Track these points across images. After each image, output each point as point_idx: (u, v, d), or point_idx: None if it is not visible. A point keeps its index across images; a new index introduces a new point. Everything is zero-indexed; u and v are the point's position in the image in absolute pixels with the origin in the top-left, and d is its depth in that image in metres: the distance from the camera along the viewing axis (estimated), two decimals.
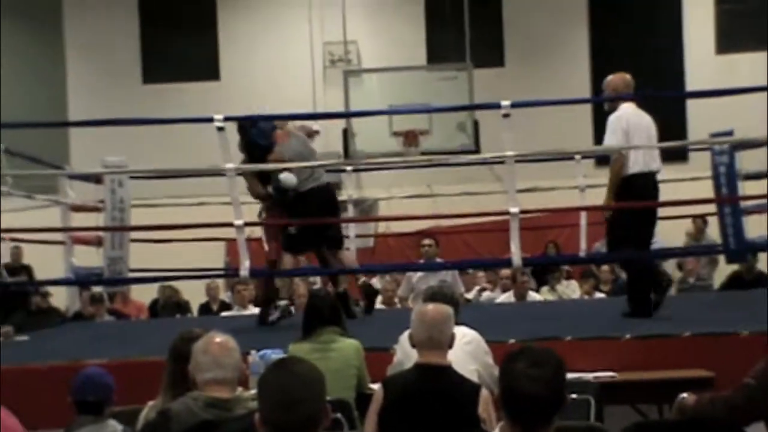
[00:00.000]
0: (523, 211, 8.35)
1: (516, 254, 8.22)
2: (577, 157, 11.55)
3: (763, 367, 4.13)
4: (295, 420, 2.94)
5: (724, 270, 13.90)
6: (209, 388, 3.84)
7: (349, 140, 15.10)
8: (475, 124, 14.89)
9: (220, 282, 14.44)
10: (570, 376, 5.58)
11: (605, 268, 13.46)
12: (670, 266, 15.33)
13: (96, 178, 11.47)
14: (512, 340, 6.86)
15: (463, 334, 5.69)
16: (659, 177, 8.60)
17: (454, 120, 14.91)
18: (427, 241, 11.64)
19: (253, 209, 9.75)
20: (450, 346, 4.94)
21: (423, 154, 14.13)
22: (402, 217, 13.41)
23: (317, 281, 12.25)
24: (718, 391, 4.40)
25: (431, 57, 17.67)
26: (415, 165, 13.23)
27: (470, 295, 12.75)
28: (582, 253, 11.32)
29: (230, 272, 13.07)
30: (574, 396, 5.77)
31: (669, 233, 14.97)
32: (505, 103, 8.24)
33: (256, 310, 10.21)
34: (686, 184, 11.39)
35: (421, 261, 11.75)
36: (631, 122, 8.39)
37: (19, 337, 9.43)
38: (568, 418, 5.26)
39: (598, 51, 17.95)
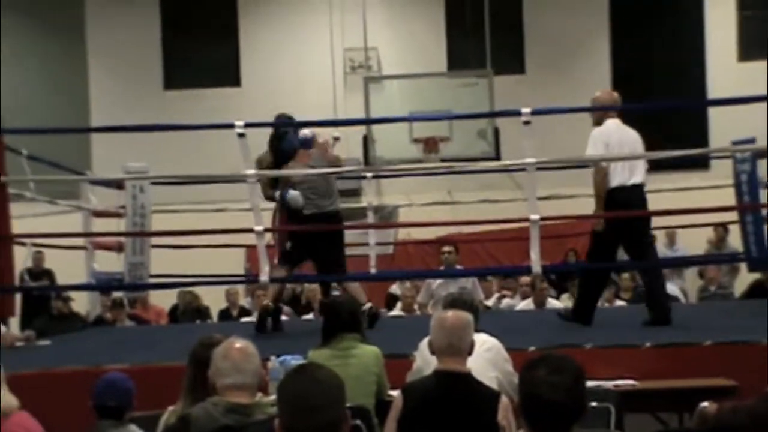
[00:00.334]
0: (543, 219, 8.34)
1: (536, 262, 8.20)
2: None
3: None
4: (314, 426, 2.94)
5: (745, 278, 13.84)
6: (229, 393, 3.85)
7: (369, 147, 15.11)
8: (496, 131, 14.88)
9: (240, 288, 14.47)
10: (590, 384, 5.59)
11: (626, 276, 13.43)
12: (691, 274, 15.31)
13: (117, 184, 11.52)
14: (532, 348, 6.85)
15: (483, 341, 5.68)
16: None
17: (474, 127, 14.91)
18: (447, 248, 11.64)
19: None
20: (470, 353, 4.94)
21: (443, 161, 14.14)
22: (422, 224, 13.40)
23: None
24: (740, 400, 4.38)
25: (452, 63, 17.68)
26: (435, 172, 13.23)
27: (490, 303, 12.73)
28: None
29: (250, 278, 13.09)
30: (594, 404, 5.76)
31: (690, 241, 14.97)
32: (526, 110, 8.23)
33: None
34: (708, 192, 11.34)
35: (441, 268, 11.73)
36: (612, 137, 8.45)
37: (41, 342, 9.47)
38: (588, 427, 5.24)
39: (620, 58, 17.92)
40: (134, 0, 18.17)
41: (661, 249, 15.60)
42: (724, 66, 17.34)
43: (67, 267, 12.58)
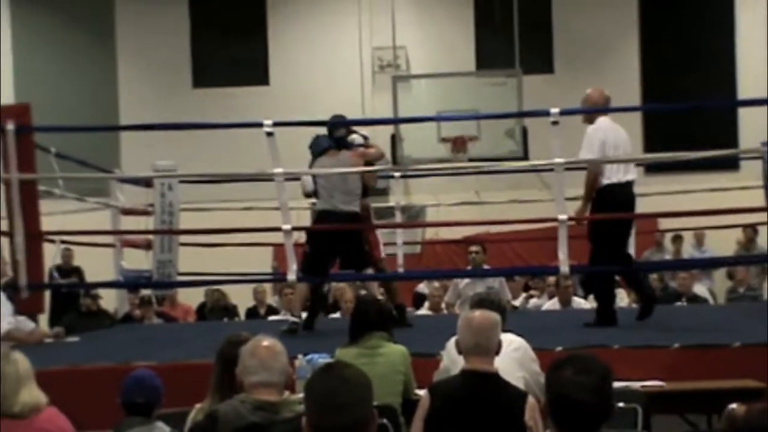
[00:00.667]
0: (571, 219, 8.32)
1: (564, 262, 8.19)
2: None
3: None
4: (341, 424, 2.94)
5: None
6: (256, 391, 3.85)
7: (397, 146, 15.11)
8: (524, 130, 14.86)
9: (268, 286, 14.49)
10: (618, 384, 5.55)
11: (654, 276, 13.38)
12: (720, 275, 15.24)
13: (146, 182, 11.57)
14: (559, 348, 6.84)
15: (510, 341, 5.67)
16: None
17: (502, 126, 14.89)
18: (474, 248, 11.63)
19: (300, 214, 9.80)
20: (497, 353, 4.93)
21: (471, 160, 14.13)
22: (449, 224, 13.40)
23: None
24: None
25: (480, 63, 17.66)
26: (463, 171, 13.22)
27: (517, 302, 12.72)
28: None
29: (278, 276, 13.11)
30: (621, 405, 5.75)
31: (719, 242, 14.90)
32: (554, 110, 8.22)
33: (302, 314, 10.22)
34: (737, 193, 11.30)
35: (469, 267, 11.72)
36: (608, 134, 8.47)
37: (70, 339, 9.52)
38: (616, 428, 5.22)
39: (649, 57, 17.85)
40: None
41: (690, 250, 15.56)
42: (754, 66, 17.24)
43: (96, 264, 12.64)
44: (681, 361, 6.96)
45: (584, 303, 12.01)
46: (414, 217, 15.52)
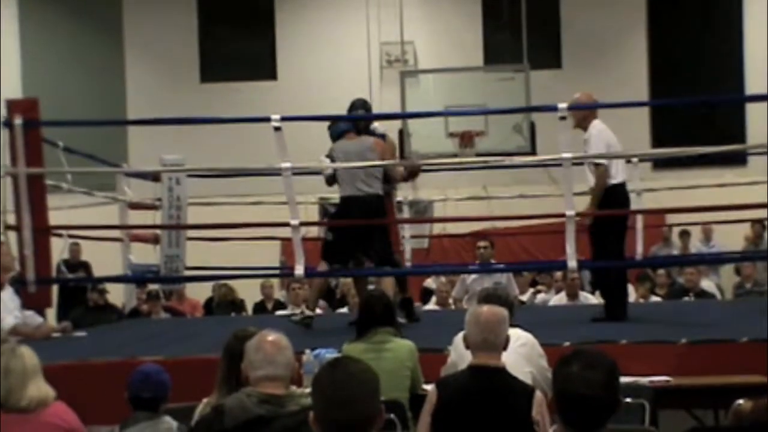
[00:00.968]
0: (578, 214, 8.32)
1: (571, 257, 8.19)
2: (634, 160, 11.45)
3: None
4: (349, 419, 2.95)
5: None
6: (262, 384, 3.86)
7: (404, 141, 15.10)
8: (532, 125, 14.83)
9: (275, 281, 14.49)
10: (625, 380, 5.57)
11: (661, 271, 13.38)
12: (727, 271, 15.23)
13: (154, 176, 11.56)
14: (567, 343, 6.84)
15: (518, 336, 5.67)
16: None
17: (510, 121, 14.87)
18: (482, 243, 11.62)
19: (308, 209, 9.80)
20: (504, 348, 4.94)
21: (479, 155, 14.10)
22: (457, 219, 13.40)
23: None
24: None
25: (488, 58, 17.64)
26: (471, 166, 13.20)
27: (525, 298, 12.71)
28: (638, 257, 11.24)
29: (285, 271, 13.12)
30: (628, 400, 5.76)
31: (727, 238, 14.88)
32: (562, 105, 8.22)
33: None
34: (745, 188, 11.28)
35: (476, 263, 11.72)
36: (609, 136, 8.61)
37: (77, 333, 9.53)
38: (623, 423, 5.24)
39: (657, 52, 17.82)
40: None
41: (697, 245, 15.55)
42: (762, 61, 17.18)
43: (104, 259, 12.67)
44: (688, 356, 6.95)
45: (591, 298, 12.00)
46: (421, 212, 15.52)
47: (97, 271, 13.83)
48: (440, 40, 17.91)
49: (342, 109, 9.50)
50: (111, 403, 5.62)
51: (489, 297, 5.93)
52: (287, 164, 8.35)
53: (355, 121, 9.01)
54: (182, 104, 16.34)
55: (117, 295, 13.11)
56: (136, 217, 11.80)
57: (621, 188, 8.61)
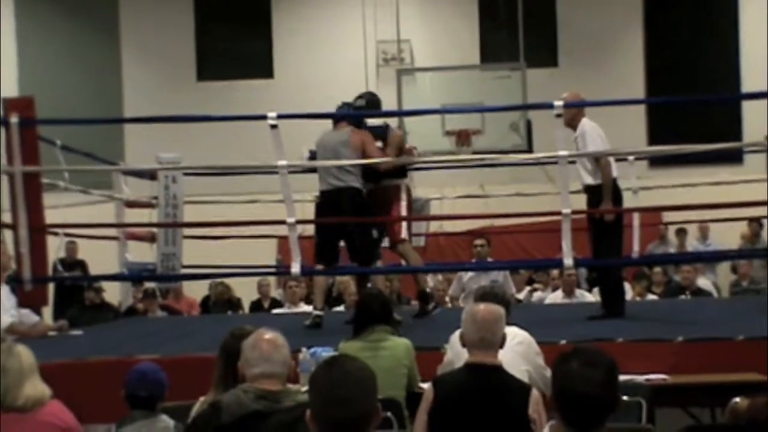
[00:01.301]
0: (575, 212, 8.32)
1: (568, 255, 8.19)
2: (631, 158, 11.46)
3: None
4: (345, 417, 2.95)
5: None
6: (258, 381, 3.87)
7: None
8: (528, 124, 14.82)
9: (272, 279, 14.50)
10: (621, 378, 5.56)
11: (658, 269, 13.38)
12: (724, 269, 15.23)
13: (150, 175, 11.57)
14: (563, 341, 6.84)
15: (515, 334, 5.67)
16: None
17: (507, 120, 14.85)
18: (479, 241, 11.62)
19: (305, 207, 9.78)
20: (501, 347, 4.94)
21: (475, 153, 14.09)
22: (454, 217, 13.40)
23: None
24: None
25: (484, 56, 17.64)
26: (468, 165, 13.19)
27: (521, 296, 12.71)
28: (635, 255, 11.25)
29: (282, 270, 13.12)
30: (625, 398, 5.76)
31: (724, 236, 14.89)
32: (558, 103, 8.22)
33: (306, 308, 10.23)
34: (741, 187, 11.28)
35: (473, 261, 11.72)
36: (601, 132, 8.71)
37: (74, 332, 9.52)
38: (620, 421, 5.24)
39: (653, 51, 17.84)
40: None
41: (694, 243, 15.56)
42: (758, 60, 17.20)
43: (100, 257, 12.65)
44: (685, 354, 6.96)
45: (588, 295, 12.02)
46: (418, 211, 15.45)
47: (94, 270, 13.81)
48: (437, 38, 17.91)
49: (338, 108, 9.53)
50: (108, 402, 5.62)
51: (485, 295, 5.94)
52: (284, 162, 8.35)
53: (356, 107, 9.19)
54: (179, 102, 16.33)
55: (113, 293, 13.10)
56: (133, 216, 11.79)
57: (615, 184, 8.68)
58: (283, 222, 8.51)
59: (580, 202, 8.69)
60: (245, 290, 14.02)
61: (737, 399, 4.34)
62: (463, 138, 14.58)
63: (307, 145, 9.31)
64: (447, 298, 12.02)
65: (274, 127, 8.26)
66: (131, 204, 11.78)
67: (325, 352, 6.34)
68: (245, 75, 18.00)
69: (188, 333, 9.29)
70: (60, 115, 11.83)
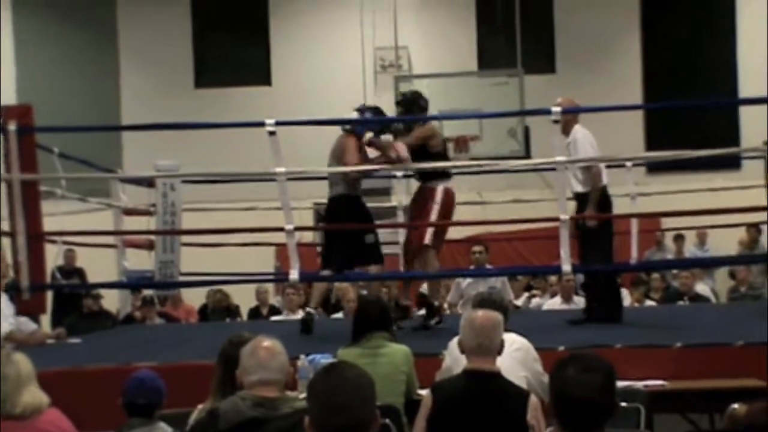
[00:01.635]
0: (581, 217, 8.33)
1: (566, 261, 8.19)
2: (629, 164, 11.46)
3: None
4: (344, 425, 2.95)
5: None
6: (256, 389, 3.88)
7: None
8: (526, 130, 14.83)
9: (270, 286, 14.49)
10: (620, 384, 5.57)
11: (656, 276, 13.38)
12: (722, 275, 15.23)
13: (148, 182, 11.57)
14: (562, 348, 6.84)
15: (513, 340, 5.67)
16: None
17: (504, 126, 14.86)
18: (477, 248, 11.63)
19: (302, 214, 9.80)
20: (499, 353, 4.94)
21: (473, 159, 14.09)
22: (452, 223, 13.38)
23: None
24: None
25: (482, 63, 17.65)
26: (465, 171, 13.19)
27: (519, 302, 12.71)
28: (633, 261, 11.25)
29: (280, 276, 13.11)
30: (624, 404, 5.75)
31: (722, 242, 14.88)
32: (556, 109, 8.24)
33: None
34: (739, 192, 11.28)
35: (471, 267, 11.72)
36: (593, 140, 8.73)
37: (72, 340, 9.52)
38: (618, 427, 5.24)
39: (651, 57, 17.84)
40: None
41: (692, 249, 15.56)
42: (755, 65, 17.22)
43: (98, 265, 12.64)
44: (683, 360, 6.96)
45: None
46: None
47: (92, 277, 13.79)
48: (434, 45, 17.92)
49: (336, 114, 9.54)
50: (106, 410, 5.60)
51: (484, 302, 5.94)
52: (282, 169, 8.35)
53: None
54: (177, 109, 16.33)
55: (112, 301, 13.09)
56: (131, 223, 11.79)
57: (605, 191, 8.70)
58: (281, 229, 8.51)
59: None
60: (243, 297, 14.00)
61: (735, 405, 4.34)
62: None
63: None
64: (445, 305, 12.01)
65: (272, 134, 8.27)
66: (129, 212, 11.78)
67: (324, 359, 6.34)
68: (243, 82, 18.00)
69: (186, 340, 9.29)
70: (58, 121, 11.85)
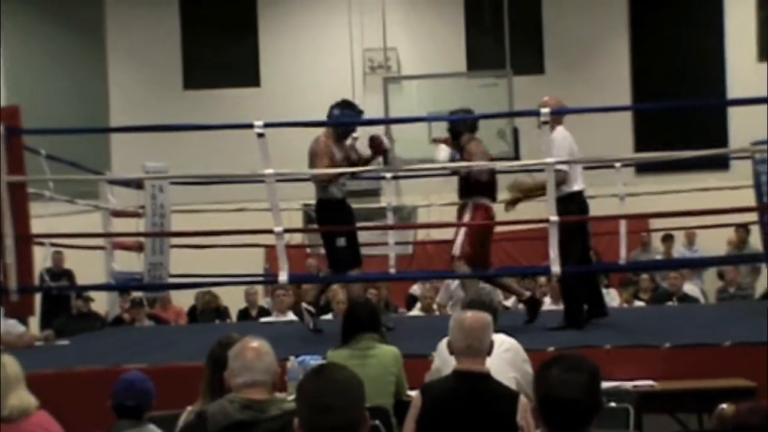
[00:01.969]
0: (562, 220, 8.33)
1: (555, 262, 8.19)
2: (617, 164, 11.48)
3: None
4: (333, 426, 2.94)
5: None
6: (243, 391, 3.87)
7: None
8: (515, 131, 14.84)
9: (259, 288, 14.47)
10: (609, 384, 5.58)
11: (645, 276, 13.39)
12: (711, 275, 15.26)
13: (137, 184, 11.55)
14: (551, 348, 6.85)
15: (502, 341, 5.68)
16: None
17: (493, 127, 14.86)
18: None
19: (292, 215, 9.79)
20: (489, 354, 4.94)
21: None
22: (441, 225, 13.40)
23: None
24: (759, 401, 4.37)
25: (471, 64, 17.66)
26: (455, 172, 13.19)
27: (509, 303, 12.71)
28: (621, 261, 11.26)
29: (269, 278, 13.10)
30: (613, 405, 5.76)
31: (710, 242, 14.90)
32: (545, 110, 8.24)
33: (294, 317, 10.22)
34: (727, 193, 11.31)
35: None
36: (572, 143, 8.71)
37: (60, 342, 9.50)
38: (607, 427, 5.23)
39: (640, 57, 17.87)
40: (153, 0, 18.23)
41: (681, 250, 15.58)
42: (743, 66, 17.26)
43: (87, 267, 12.61)
44: (672, 360, 6.98)
45: None
46: (405, 218, 15.51)
47: (81, 279, 13.77)
48: (423, 46, 17.92)
49: (325, 116, 9.55)
50: (95, 412, 5.60)
51: (473, 303, 5.95)
52: (271, 171, 8.35)
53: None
54: (165, 110, 16.30)
55: (100, 303, 13.07)
56: (120, 225, 11.76)
57: (578, 196, 8.69)
58: (270, 231, 8.51)
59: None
60: (233, 299, 13.98)
61: (724, 405, 4.34)
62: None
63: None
64: (435, 306, 12.02)
65: (260, 135, 8.27)
66: (118, 213, 11.75)
67: (313, 361, 6.34)
68: (232, 83, 17.98)
69: (175, 342, 9.28)
70: (46, 122, 11.82)
